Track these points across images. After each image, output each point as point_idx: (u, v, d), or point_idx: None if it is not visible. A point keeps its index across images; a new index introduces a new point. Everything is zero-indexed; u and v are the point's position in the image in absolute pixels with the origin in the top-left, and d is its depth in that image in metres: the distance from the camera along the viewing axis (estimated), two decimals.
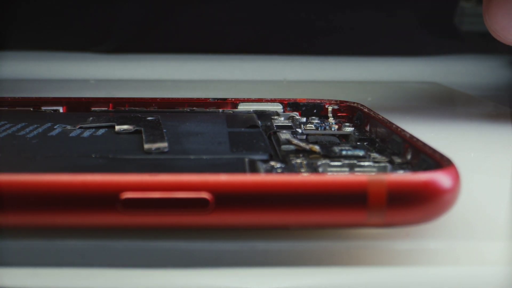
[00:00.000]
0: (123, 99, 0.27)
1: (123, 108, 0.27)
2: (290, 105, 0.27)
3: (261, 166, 0.19)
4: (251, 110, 0.27)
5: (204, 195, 0.15)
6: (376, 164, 0.19)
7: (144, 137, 0.21)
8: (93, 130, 0.23)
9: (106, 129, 0.23)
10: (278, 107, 0.27)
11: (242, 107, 0.27)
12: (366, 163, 0.19)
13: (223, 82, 0.44)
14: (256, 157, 0.19)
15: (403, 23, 0.50)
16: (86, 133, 0.22)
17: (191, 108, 0.27)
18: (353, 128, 0.24)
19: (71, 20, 0.50)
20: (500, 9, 0.27)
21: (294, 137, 0.22)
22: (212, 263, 0.16)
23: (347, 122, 0.25)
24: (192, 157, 0.19)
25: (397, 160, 0.19)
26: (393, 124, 0.21)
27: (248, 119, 0.25)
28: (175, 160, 0.19)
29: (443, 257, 0.16)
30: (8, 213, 0.15)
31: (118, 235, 0.16)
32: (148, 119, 0.24)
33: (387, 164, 0.19)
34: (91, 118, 0.24)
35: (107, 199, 0.15)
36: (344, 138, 0.24)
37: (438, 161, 0.17)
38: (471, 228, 0.17)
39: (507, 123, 0.29)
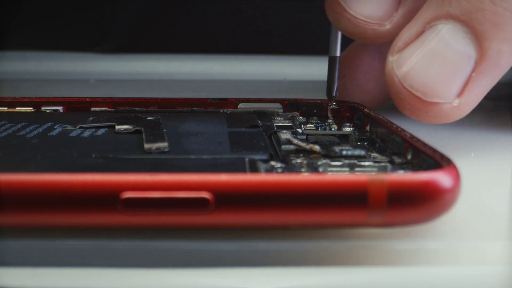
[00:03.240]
0: (123, 99, 0.27)
1: (123, 108, 0.27)
2: (290, 105, 0.27)
3: (262, 166, 0.19)
4: (251, 110, 0.27)
5: (205, 194, 0.15)
6: (377, 164, 0.19)
7: (144, 137, 0.21)
8: (93, 130, 0.23)
9: (106, 129, 0.23)
10: (278, 107, 0.27)
11: (242, 107, 0.27)
12: (367, 163, 0.19)
13: (223, 82, 0.44)
14: (257, 157, 0.19)
15: None
16: (86, 133, 0.22)
17: (191, 108, 0.27)
18: (353, 128, 0.24)
19: (71, 20, 0.50)
20: (416, 62, 0.22)
21: (294, 137, 0.22)
22: (212, 263, 0.16)
23: (347, 122, 0.25)
24: (192, 157, 0.19)
25: (397, 160, 0.19)
26: (393, 124, 0.21)
27: (248, 119, 0.25)
28: (175, 160, 0.19)
29: (443, 257, 0.16)
30: (8, 213, 0.15)
31: (118, 235, 0.16)
32: (148, 119, 0.24)
33: (388, 164, 0.19)
34: (91, 118, 0.24)
35: (107, 199, 0.15)
36: (344, 138, 0.24)
37: (439, 161, 0.17)
38: (471, 228, 0.17)
39: (507, 123, 0.29)
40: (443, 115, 0.22)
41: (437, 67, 0.21)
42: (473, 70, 0.21)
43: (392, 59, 0.22)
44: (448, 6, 0.21)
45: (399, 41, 0.22)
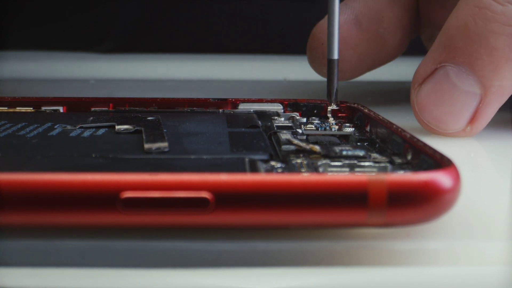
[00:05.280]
0: (123, 99, 0.27)
1: (123, 108, 0.27)
2: (291, 105, 0.27)
3: (262, 166, 0.19)
4: (251, 110, 0.27)
5: (205, 194, 0.15)
6: (377, 164, 0.19)
7: (144, 137, 0.21)
8: (93, 130, 0.23)
9: (106, 129, 0.23)
10: (279, 107, 0.27)
11: (242, 107, 0.27)
12: (367, 163, 0.19)
13: (223, 82, 0.44)
14: (257, 157, 0.19)
15: None
16: (86, 133, 0.22)
17: (191, 108, 0.27)
18: (353, 129, 0.24)
19: (71, 20, 0.50)
20: (430, 99, 0.25)
21: (294, 137, 0.22)
22: (212, 263, 0.16)
23: (347, 123, 0.25)
24: (192, 157, 0.19)
25: (398, 160, 0.19)
26: (393, 124, 0.21)
27: (248, 119, 0.25)
28: (175, 160, 0.19)
29: (443, 257, 0.16)
30: (8, 213, 0.15)
31: (118, 235, 0.16)
32: (148, 119, 0.24)
33: (388, 164, 0.19)
34: (91, 118, 0.24)
35: (107, 198, 0.15)
36: (344, 139, 0.24)
37: (439, 161, 0.17)
38: (471, 228, 0.17)
39: (507, 122, 0.29)
40: (458, 136, 0.26)
41: (447, 106, 0.25)
42: (480, 103, 0.25)
43: (413, 91, 0.26)
44: (454, 52, 0.25)
45: (418, 76, 0.26)
